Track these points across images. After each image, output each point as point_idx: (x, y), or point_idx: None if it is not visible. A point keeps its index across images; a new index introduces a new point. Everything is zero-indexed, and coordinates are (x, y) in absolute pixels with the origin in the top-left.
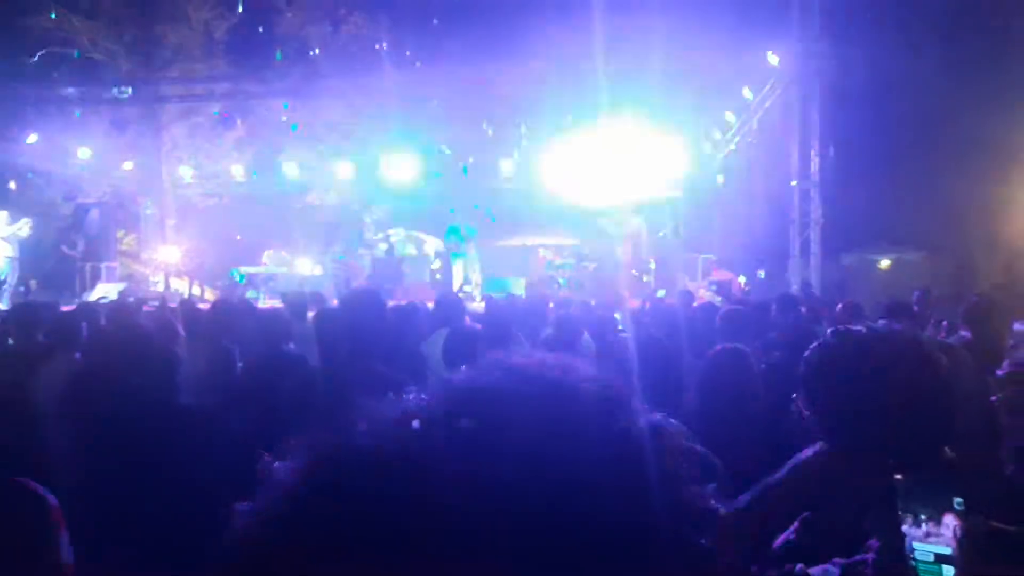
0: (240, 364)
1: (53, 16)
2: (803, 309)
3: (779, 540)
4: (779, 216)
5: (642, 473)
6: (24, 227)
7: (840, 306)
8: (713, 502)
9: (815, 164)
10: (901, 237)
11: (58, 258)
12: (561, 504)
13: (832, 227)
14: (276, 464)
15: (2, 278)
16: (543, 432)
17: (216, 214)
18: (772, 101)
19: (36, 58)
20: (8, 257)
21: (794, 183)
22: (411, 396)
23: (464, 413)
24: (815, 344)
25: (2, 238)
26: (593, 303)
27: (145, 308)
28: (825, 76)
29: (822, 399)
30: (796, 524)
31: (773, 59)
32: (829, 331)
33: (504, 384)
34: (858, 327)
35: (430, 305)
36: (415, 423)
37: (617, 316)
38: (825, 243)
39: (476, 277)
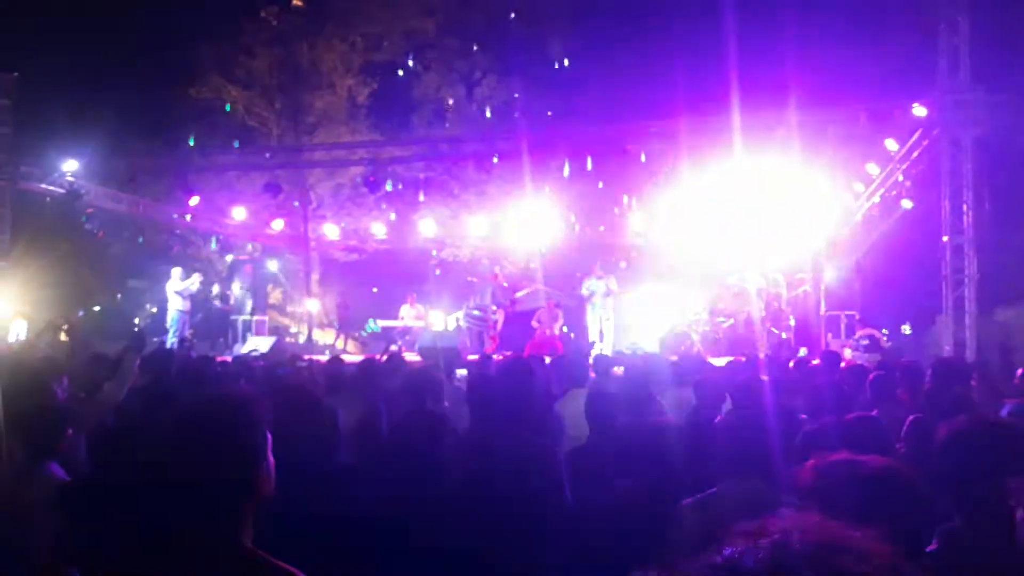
0: (386, 421)
1: (213, 97)
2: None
3: None
4: (924, 271)
5: None
6: (195, 281)
7: (1021, 373)
8: None
9: (968, 218)
10: None
11: (211, 311)
12: None
13: (986, 281)
14: None
15: (170, 327)
16: None
17: (357, 269)
18: (918, 153)
19: (197, 126)
20: (179, 310)
21: (946, 238)
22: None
23: None
24: None
25: (175, 292)
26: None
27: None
28: (977, 126)
29: None
30: None
31: (920, 110)
32: None
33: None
34: None
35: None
36: None
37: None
38: (979, 299)
39: (609, 333)
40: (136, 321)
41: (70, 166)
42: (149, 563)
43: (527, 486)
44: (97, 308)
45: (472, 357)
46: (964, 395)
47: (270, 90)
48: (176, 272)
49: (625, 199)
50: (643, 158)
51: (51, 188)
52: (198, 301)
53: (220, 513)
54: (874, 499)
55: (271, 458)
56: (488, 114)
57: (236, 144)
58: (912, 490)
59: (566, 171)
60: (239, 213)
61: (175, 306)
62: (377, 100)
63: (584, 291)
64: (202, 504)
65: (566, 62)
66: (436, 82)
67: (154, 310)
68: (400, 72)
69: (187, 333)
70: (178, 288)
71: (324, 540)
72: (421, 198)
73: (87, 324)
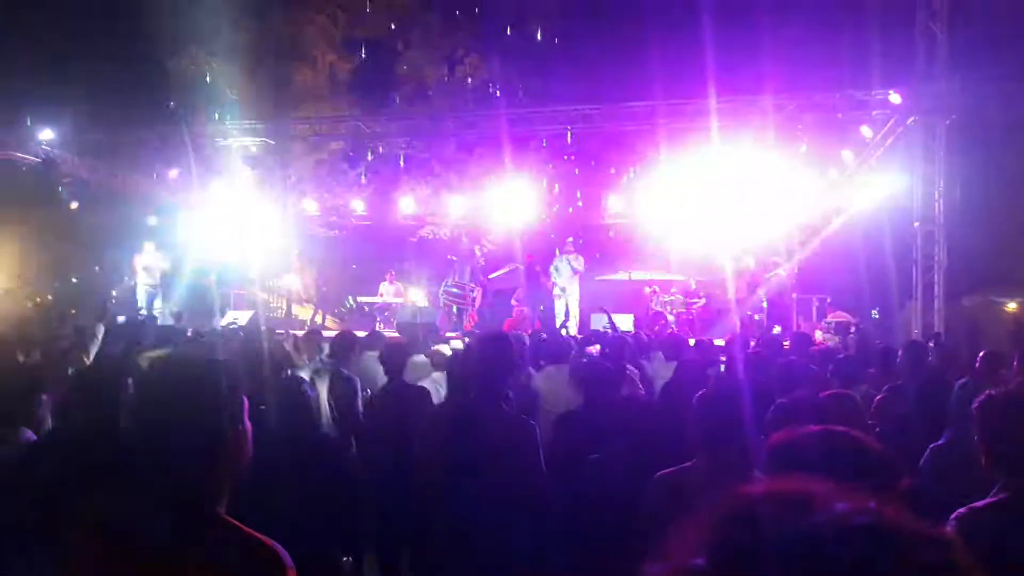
0: (364, 394)
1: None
2: (931, 358)
3: None
4: (895, 256)
5: None
6: (164, 262)
7: (982, 356)
8: None
9: (939, 205)
10: None
11: (191, 286)
12: None
13: (954, 268)
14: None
15: (140, 306)
16: None
17: (336, 245)
18: (893, 140)
19: (175, 98)
20: (147, 284)
21: (916, 224)
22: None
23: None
24: None
25: (143, 267)
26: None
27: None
28: (950, 114)
29: None
30: None
31: (895, 97)
32: None
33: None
34: None
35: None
36: None
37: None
38: (947, 285)
39: (575, 312)
40: (113, 293)
41: (46, 135)
42: (116, 532)
43: (503, 458)
44: (74, 280)
45: (450, 334)
46: (935, 376)
47: (250, 63)
48: (149, 247)
49: (601, 181)
50: (621, 140)
51: (26, 157)
52: (178, 277)
53: (191, 479)
54: (825, 463)
55: (248, 423)
56: (469, 93)
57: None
58: (866, 453)
59: (544, 143)
60: (219, 186)
61: (143, 281)
62: (358, 77)
63: (552, 269)
64: (171, 470)
65: (546, 41)
66: (417, 59)
67: (132, 283)
68: (381, 49)
69: (151, 306)
70: (145, 264)
71: (302, 511)
72: (409, 170)
73: (64, 295)
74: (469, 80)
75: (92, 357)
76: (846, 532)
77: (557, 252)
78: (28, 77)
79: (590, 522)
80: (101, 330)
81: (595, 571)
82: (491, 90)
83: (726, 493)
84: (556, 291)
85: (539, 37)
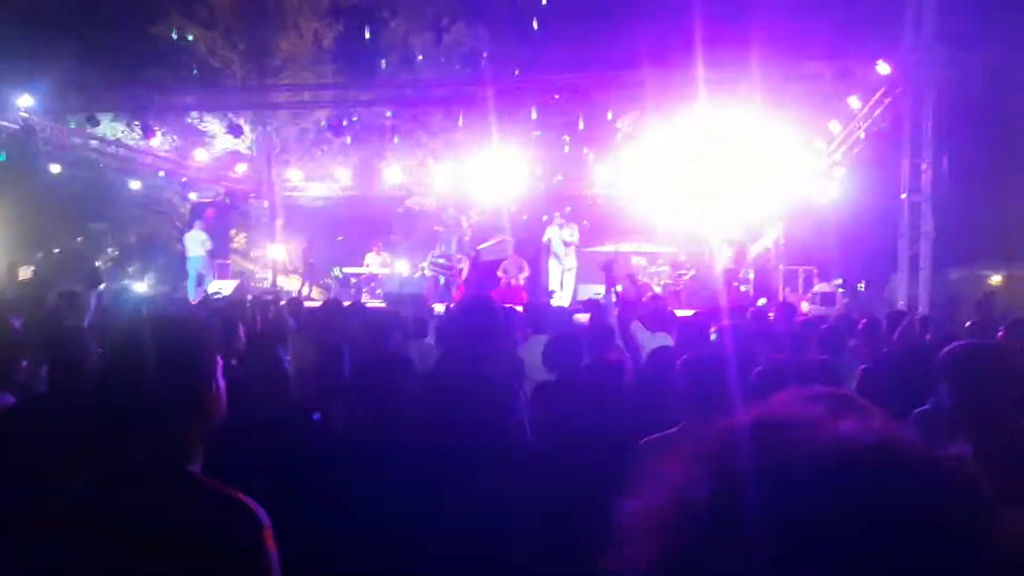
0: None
1: (174, 36)
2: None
3: None
4: (882, 228)
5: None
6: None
7: (968, 325)
8: None
9: (926, 176)
10: (1014, 252)
11: (173, 254)
12: None
13: (940, 240)
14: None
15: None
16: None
17: (322, 215)
18: (880, 111)
19: (157, 65)
20: (200, 256)
21: (904, 196)
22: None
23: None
24: None
25: (203, 250)
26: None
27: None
28: (939, 85)
29: None
30: None
31: (883, 67)
32: None
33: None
34: None
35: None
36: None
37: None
38: (934, 257)
39: (570, 282)
40: (97, 264)
41: (25, 101)
42: (91, 488)
43: (487, 422)
44: (57, 251)
45: (437, 305)
46: (919, 344)
47: (233, 30)
48: (198, 224)
49: (589, 152)
50: (609, 115)
51: (4, 124)
52: (160, 244)
53: (167, 436)
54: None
55: (221, 381)
56: (455, 62)
57: (197, 85)
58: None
59: (533, 115)
60: (201, 155)
61: (197, 253)
62: (343, 45)
63: (545, 239)
64: (147, 426)
65: (533, 9)
66: (404, 28)
67: (116, 253)
68: (367, 16)
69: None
70: (192, 241)
71: (283, 473)
72: (396, 140)
73: (48, 265)
74: (456, 49)
75: (85, 324)
76: (856, 453)
77: (557, 219)
78: (5, 42)
79: (571, 487)
80: (92, 298)
81: (574, 538)
82: (478, 59)
83: (721, 423)
84: (552, 263)
85: (526, 5)
